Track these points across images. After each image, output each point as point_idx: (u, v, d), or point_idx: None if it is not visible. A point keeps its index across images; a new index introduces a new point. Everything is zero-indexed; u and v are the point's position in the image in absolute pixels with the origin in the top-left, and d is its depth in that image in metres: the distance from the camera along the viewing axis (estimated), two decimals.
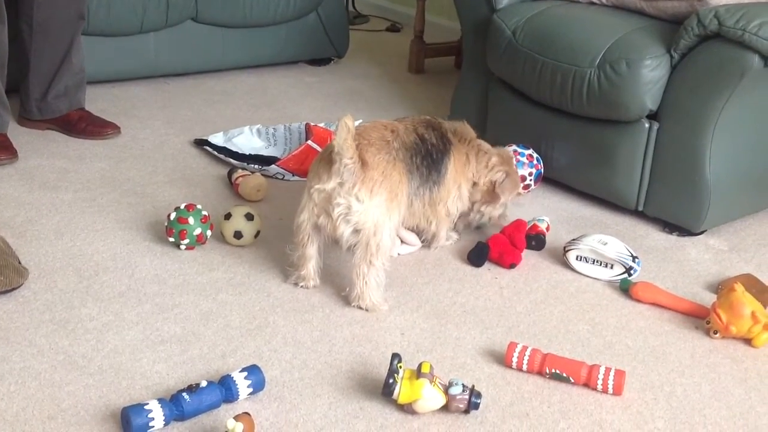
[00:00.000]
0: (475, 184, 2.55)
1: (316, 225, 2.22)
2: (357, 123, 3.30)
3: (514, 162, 2.72)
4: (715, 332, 2.17)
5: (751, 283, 2.33)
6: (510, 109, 3.10)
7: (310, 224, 2.22)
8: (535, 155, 2.94)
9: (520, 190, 2.76)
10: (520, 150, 2.94)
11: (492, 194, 2.56)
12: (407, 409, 1.84)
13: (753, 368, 2.07)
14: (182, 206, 2.43)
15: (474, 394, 1.85)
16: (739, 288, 2.16)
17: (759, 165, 2.75)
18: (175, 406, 1.75)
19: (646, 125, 2.69)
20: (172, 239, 2.42)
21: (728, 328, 2.13)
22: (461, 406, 1.84)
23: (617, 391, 1.94)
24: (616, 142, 2.75)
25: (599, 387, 1.94)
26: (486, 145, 2.61)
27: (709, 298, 2.31)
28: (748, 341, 2.15)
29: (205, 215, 2.44)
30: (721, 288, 2.32)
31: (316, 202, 2.18)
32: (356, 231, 2.18)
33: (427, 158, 2.34)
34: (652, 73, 2.61)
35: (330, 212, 2.16)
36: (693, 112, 2.59)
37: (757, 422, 1.88)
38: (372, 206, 2.15)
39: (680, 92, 2.61)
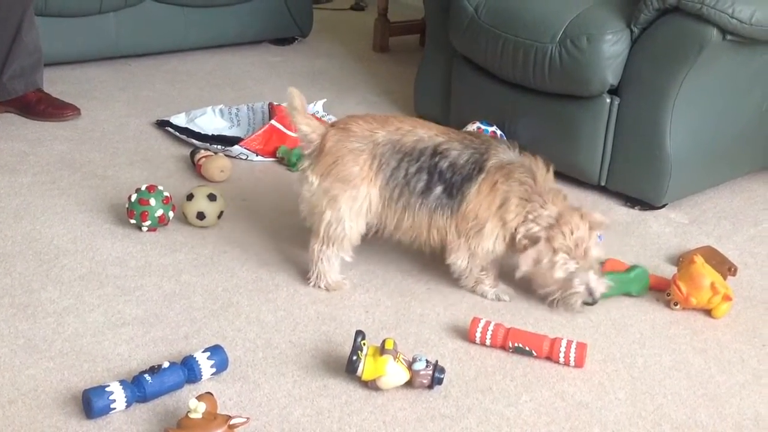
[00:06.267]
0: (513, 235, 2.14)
1: None
2: (321, 102, 3.32)
3: (586, 234, 2.10)
4: (676, 304, 2.20)
5: (711, 255, 2.36)
6: (473, 86, 3.10)
7: None
8: (498, 132, 2.94)
9: (557, 269, 2.10)
10: (483, 127, 2.95)
11: (519, 250, 2.13)
12: (371, 385, 1.85)
13: (713, 338, 2.10)
14: (143, 187, 2.40)
15: (437, 369, 1.86)
16: (699, 260, 2.19)
17: (719, 138, 2.77)
18: (137, 387, 1.74)
19: (608, 100, 2.71)
20: (133, 221, 2.39)
21: (688, 299, 2.16)
22: (425, 381, 1.85)
23: (579, 364, 1.96)
24: (578, 117, 2.77)
25: (561, 360, 1.96)
26: (556, 198, 2.14)
27: (670, 271, 2.34)
28: (708, 312, 2.18)
29: (166, 196, 2.41)
30: (682, 260, 2.34)
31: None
32: (311, 212, 2.20)
33: (432, 173, 2.13)
34: (612, 48, 2.63)
35: None
36: (653, 86, 2.61)
37: (717, 391, 1.92)
38: (321, 190, 2.15)
39: (640, 67, 2.63)
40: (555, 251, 2.08)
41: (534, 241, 2.09)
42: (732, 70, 2.66)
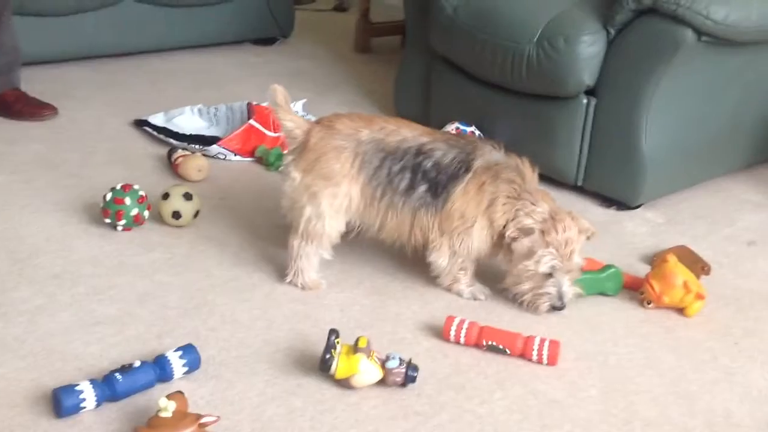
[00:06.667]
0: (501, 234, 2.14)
1: None
2: (302, 102, 3.32)
3: (575, 236, 2.11)
4: (649, 302, 2.21)
5: (684, 254, 2.37)
6: (452, 87, 3.11)
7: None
8: (477, 132, 2.95)
9: (545, 262, 2.10)
10: (462, 127, 2.96)
11: (508, 249, 2.14)
12: (344, 384, 1.84)
13: (685, 337, 2.12)
14: (118, 186, 2.39)
15: (411, 367, 1.86)
16: (672, 259, 2.20)
17: (694, 139, 2.79)
18: (108, 386, 1.73)
19: (584, 101, 2.72)
20: (108, 220, 2.38)
21: (661, 298, 2.17)
22: (398, 379, 1.85)
23: (552, 361, 1.96)
24: (555, 118, 2.78)
25: (534, 357, 1.97)
26: (545, 197, 2.17)
27: (644, 270, 2.34)
28: (680, 311, 2.19)
29: (142, 195, 2.40)
30: (655, 259, 2.36)
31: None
32: (292, 207, 2.20)
33: (416, 173, 2.13)
34: (589, 48, 2.64)
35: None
36: (629, 87, 2.62)
37: (688, 389, 1.93)
38: (303, 185, 2.15)
39: (617, 67, 2.65)
40: (546, 245, 2.09)
41: (527, 233, 2.09)
42: (707, 71, 2.68)
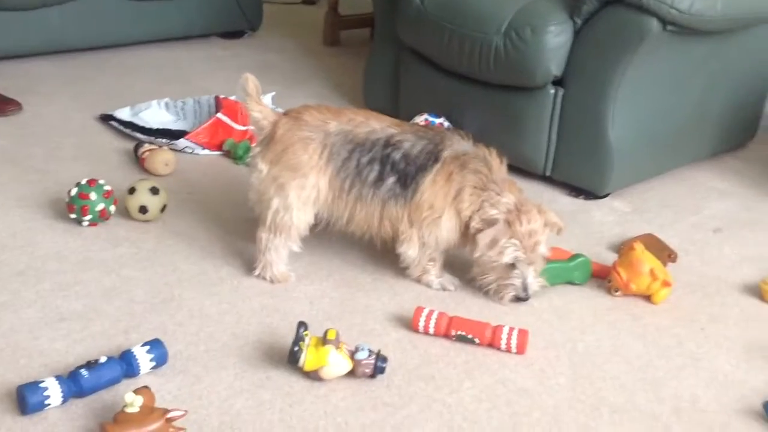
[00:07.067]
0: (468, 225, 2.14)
1: None
2: (270, 95, 3.30)
3: (540, 228, 2.11)
4: (616, 290, 2.22)
5: (651, 242, 2.39)
6: (421, 79, 3.11)
7: None
8: (446, 123, 2.96)
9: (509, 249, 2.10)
10: (431, 119, 2.96)
11: (474, 239, 2.13)
12: (313, 376, 1.84)
13: (652, 323, 2.13)
14: (84, 182, 2.37)
15: (380, 358, 1.86)
16: (639, 247, 2.22)
17: (661, 128, 2.82)
18: (73, 382, 1.71)
19: (552, 91, 2.73)
20: (73, 216, 2.36)
21: (628, 285, 2.19)
22: (367, 370, 1.85)
23: (520, 350, 1.97)
24: (523, 108, 2.79)
25: (503, 347, 1.98)
26: (512, 187, 2.16)
27: (612, 258, 2.36)
28: (647, 298, 2.21)
29: (107, 190, 2.38)
30: (623, 248, 2.37)
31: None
32: (259, 199, 2.18)
33: (384, 164, 2.12)
34: (556, 39, 2.65)
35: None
36: (596, 77, 2.64)
37: (655, 375, 1.94)
38: (270, 177, 2.14)
39: (583, 58, 2.66)
40: (510, 236, 2.09)
41: (491, 223, 2.09)
42: (673, 60, 2.70)
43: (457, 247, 2.22)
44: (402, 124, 2.24)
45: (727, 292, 2.30)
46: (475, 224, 2.11)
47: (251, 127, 2.24)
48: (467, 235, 2.16)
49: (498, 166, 2.18)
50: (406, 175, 2.14)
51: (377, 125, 2.18)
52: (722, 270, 2.41)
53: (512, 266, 2.12)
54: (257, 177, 2.17)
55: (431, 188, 2.13)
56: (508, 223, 2.09)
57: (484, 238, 2.10)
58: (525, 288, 2.13)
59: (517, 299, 2.15)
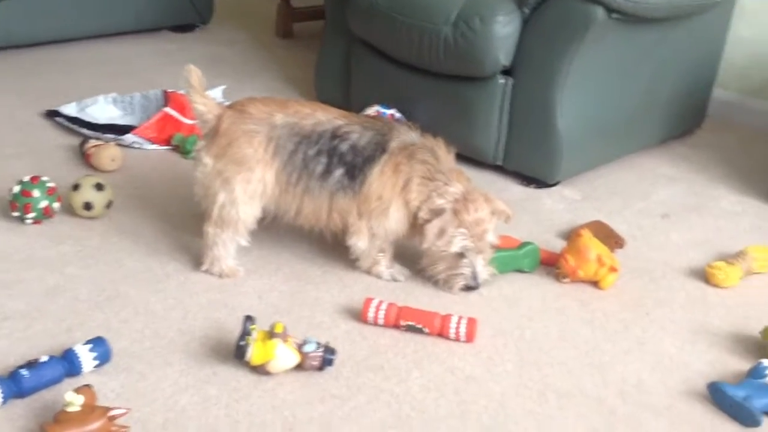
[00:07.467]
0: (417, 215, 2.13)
1: None
2: (221, 88, 3.26)
3: (488, 217, 2.12)
4: (565, 277, 2.24)
5: (599, 228, 2.41)
6: (372, 70, 3.09)
7: None
8: (397, 114, 2.95)
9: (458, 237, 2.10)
10: (382, 110, 2.95)
11: (422, 230, 2.12)
12: (261, 370, 1.82)
13: (599, 309, 2.15)
14: (26, 179, 2.32)
15: (328, 350, 1.85)
16: (586, 233, 2.23)
17: (609, 116, 2.84)
18: (14, 383, 1.68)
19: (501, 81, 2.74)
20: (16, 213, 2.31)
21: (576, 272, 2.21)
22: (315, 363, 1.84)
23: (469, 339, 1.98)
24: (474, 98, 2.79)
25: (452, 335, 1.98)
26: (459, 177, 2.16)
27: (561, 246, 2.37)
28: (595, 284, 2.23)
29: (51, 187, 2.34)
30: (571, 235, 2.39)
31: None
32: (205, 194, 2.16)
33: (332, 156, 2.11)
34: (504, 29, 2.65)
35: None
36: (543, 66, 2.65)
37: (602, 359, 1.96)
38: (215, 171, 2.12)
39: (531, 47, 2.67)
40: (458, 225, 2.09)
41: (438, 213, 2.09)
42: (619, 49, 2.72)
43: (406, 237, 2.22)
44: (349, 115, 2.22)
45: (673, 277, 2.32)
46: (422, 215, 2.11)
47: (197, 121, 2.20)
48: (416, 225, 2.16)
49: (445, 156, 2.18)
50: (354, 166, 2.13)
51: (324, 117, 2.17)
52: (669, 255, 2.44)
53: (461, 255, 2.12)
54: (202, 171, 2.15)
55: (379, 179, 2.13)
56: (456, 213, 2.09)
57: (432, 229, 2.10)
58: (474, 277, 2.13)
59: (467, 288, 2.15)
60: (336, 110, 2.22)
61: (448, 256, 2.12)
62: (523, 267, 2.28)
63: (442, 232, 2.09)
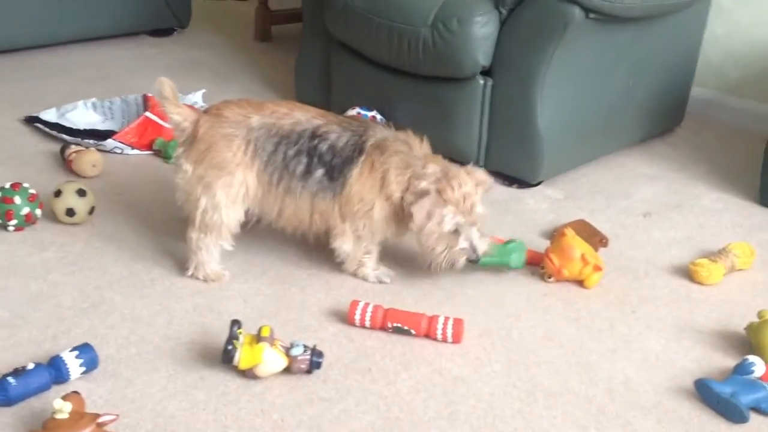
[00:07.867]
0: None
1: None
2: (201, 92, 3.25)
3: (473, 189, 2.11)
4: (550, 276, 2.25)
5: (582, 227, 2.43)
6: (352, 72, 3.10)
7: None
8: (378, 116, 2.95)
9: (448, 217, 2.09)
10: (363, 112, 2.95)
11: (410, 216, 2.10)
12: (249, 374, 1.82)
13: (584, 308, 2.17)
14: (7, 185, 2.30)
15: (315, 353, 1.85)
16: (569, 232, 2.25)
17: (588, 116, 2.86)
18: (1, 391, 1.67)
19: (481, 82, 2.75)
20: None
21: (560, 271, 2.22)
22: (303, 366, 1.84)
23: (456, 339, 1.98)
24: (454, 99, 2.80)
25: (439, 337, 1.98)
26: (435, 159, 2.17)
27: (545, 245, 2.39)
28: (580, 283, 2.25)
29: (32, 194, 2.32)
30: (555, 234, 2.40)
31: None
32: (187, 200, 2.15)
33: (312, 156, 2.11)
34: (482, 29, 2.66)
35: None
36: (522, 66, 2.66)
37: (588, 358, 1.97)
38: (195, 177, 2.11)
39: (510, 47, 2.68)
40: (445, 203, 2.08)
41: (423, 194, 2.07)
42: (597, 48, 2.74)
43: (394, 235, 2.22)
44: (326, 114, 2.22)
45: (657, 275, 2.34)
46: (408, 199, 2.11)
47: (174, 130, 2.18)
48: (402, 220, 2.15)
49: (419, 144, 2.18)
50: (333, 167, 2.13)
51: (302, 116, 2.16)
52: (652, 253, 2.46)
53: (456, 232, 2.12)
54: (182, 177, 2.14)
55: (359, 181, 2.12)
56: (441, 192, 2.09)
57: (419, 212, 2.08)
58: (474, 249, 2.13)
59: (469, 261, 2.14)
60: (314, 109, 2.22)
61: (444, 237, 2.11)
62: (510, 262, 2.27)
63: (430, 214, 2.08)
